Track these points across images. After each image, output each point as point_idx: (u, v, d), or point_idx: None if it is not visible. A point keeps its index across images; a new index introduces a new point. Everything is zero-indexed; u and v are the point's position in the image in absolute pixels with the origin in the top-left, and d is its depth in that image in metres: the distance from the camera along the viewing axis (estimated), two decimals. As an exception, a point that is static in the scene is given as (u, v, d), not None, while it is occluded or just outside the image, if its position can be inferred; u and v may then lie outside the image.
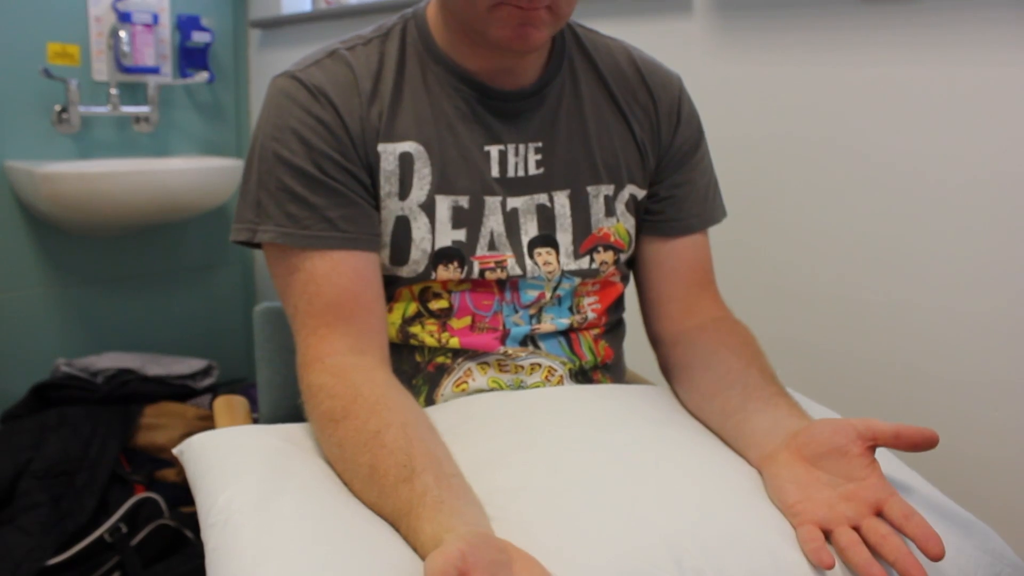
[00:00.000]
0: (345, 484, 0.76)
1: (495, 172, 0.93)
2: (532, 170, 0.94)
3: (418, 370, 0.95)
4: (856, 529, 0.69)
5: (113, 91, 2.32)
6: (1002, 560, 0.74)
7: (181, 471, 1.89)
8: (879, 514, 0.70)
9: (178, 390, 2.12)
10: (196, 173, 2.18)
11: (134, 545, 1.78)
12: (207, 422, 2.01)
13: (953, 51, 1.21)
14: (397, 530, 0.70)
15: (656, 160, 1.00)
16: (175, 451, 0.83)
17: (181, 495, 1.90)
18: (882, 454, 0.74)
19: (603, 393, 0.93)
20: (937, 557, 0.65)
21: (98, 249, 2.33)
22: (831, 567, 0.67)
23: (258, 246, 0.91)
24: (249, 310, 1.33)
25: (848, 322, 1.38)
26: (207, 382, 2.20)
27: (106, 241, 2.34)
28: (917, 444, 0.71)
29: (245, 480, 0.73)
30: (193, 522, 1.87)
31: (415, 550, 0.67)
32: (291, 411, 1.07)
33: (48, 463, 1.81)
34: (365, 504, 0.73)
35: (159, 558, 1.83)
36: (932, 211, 1.26)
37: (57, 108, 2.23)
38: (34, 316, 2.26)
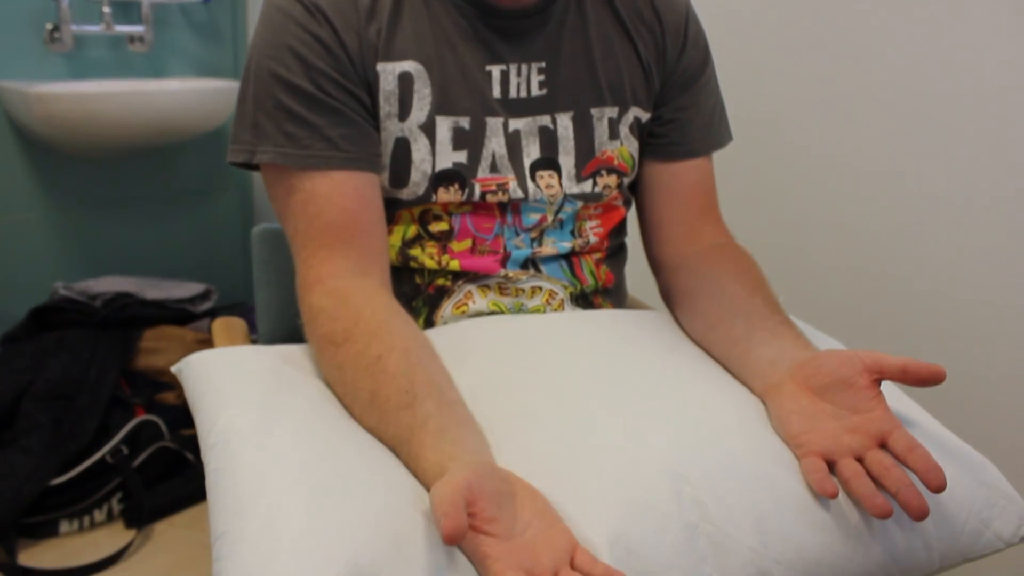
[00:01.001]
0: (345, 408, 0.76)
1: (496, 93, 0.91)
2: (535, 91, 0.93)
3: (418, 292, 0.94)
4: (859, 460, 0.69)
5: (106, 9, 2.26)
6: (998, 492, 0.75)
7: (181, 394, 1.90)
8: (883, 446, 0.70)
9: (177, 314, 2.11)
10: (192, 95, 2.15)
11: (135, 466, 1.80)
12: (206, 346, 2.01)
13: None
14: (398, 456, 0.70)
15: (661, 82, 0.98)
16: (173, 369, 0.82)
17: (181, 417, 1.92)
18: (885, 386, 0.74)
19: (605, 319, 0.92)
20: (938, 489, 0.66)
21: (95, 172, 2.31)
22: (834, 496, 0.67)
23: (256, 167, 0.89)
24: (247, 234, 1.32)
25: (853, 250, 1.37)
26: (206, 306, 2.19)
27: (103, 164, 2.32)
28: (924, 379, 0.71)
29: (245, 401, 0.73)
30: (194, 445, 1.89)
31: (416, 476, 0.67)
32: (290, 333, 1.07)
33: (48, 385, 1.82)
34: (365, 428, 0.73)
35: (160, 480, 1.85)
36: (940, 136, 1.24)
37: (49, 27, 2.18)
38: (31, 240, 2.24)
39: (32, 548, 1.70)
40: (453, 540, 0.54)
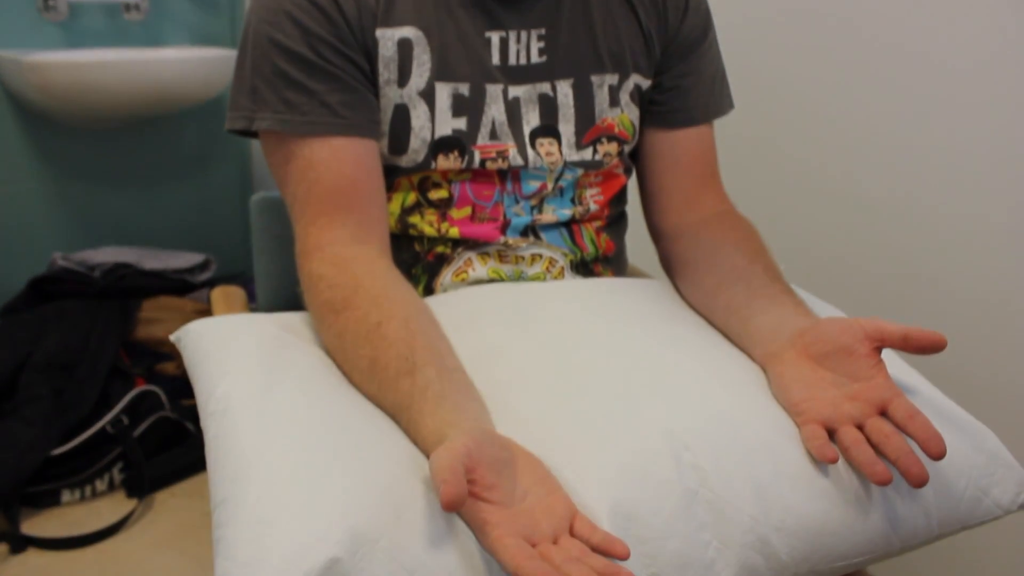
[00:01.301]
0: (344, 375, 0.76)
1: (496, 59, 0.91)
2: (535, 58, 0.92)
3: (417, 260, 0.94)
4: (860, 428, 0.69)
5: (101, -24, 2.24)
6: (998, 460, 0.75)
7: (181, 364, 1.91)
8: (883, 414, 0.70)
9: (176, 284, 2.11)
10: (189, 64, 2.13)
11: (136, 436, 1.80)
12: (205, 316, 2.00)
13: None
14: (397, 423, 0.70)
15: (662, 49, 0.97)
16: (172, 337, 0.82)
17: (181, 388, 1.92)
18: (886, 354, 0.74)
19: (605, 287, 0.92)
20: (938, 457, 0.66)
21: (92, 142, 2.30)
22: (835, 461, 0.67)
23: (254, 135, 0.89)
24: (247, 203, 1.31)
25: (855, 219, 1.36)
26: (205, 276, 2.19)
27: (100, 134, 2.30)
28: (925, 347, 0.70)
29: (244, 369, 0.73)
30: (194, 415, 1.89)
31: (416, 443, 0.67)
32: (289, 302, 1.06)
33: (48, 356, 1.82)
34: (365, 396, 0.73)
35: (161, 450, 1.85)
36: (944, 103, 1.23)
37: (43, -5, 2.17)
38: (29, 210, 2.24)
39: (35, 517, 1.71)
40: (452, 507, 0.54)
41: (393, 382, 0.70)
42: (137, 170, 2.39)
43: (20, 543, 1.62)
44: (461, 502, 0.54)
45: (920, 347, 0.71)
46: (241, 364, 0.73)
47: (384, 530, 0.58)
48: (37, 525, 1.68)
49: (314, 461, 0.63)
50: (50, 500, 1.74)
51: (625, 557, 0.58)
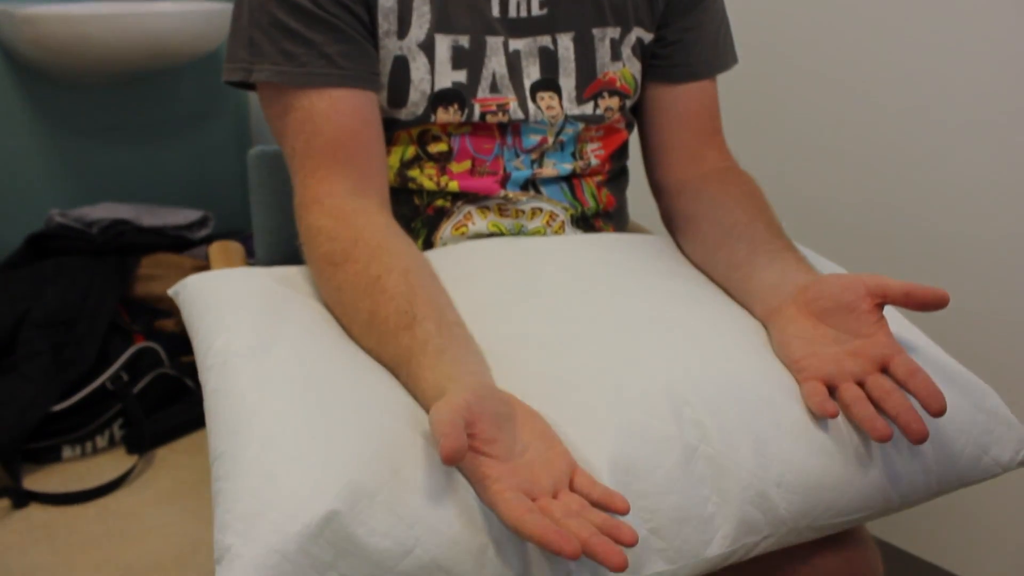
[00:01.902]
0: (344, 328, 0.75)
1: (496, 11, 0.89)
2: (535, 10, 0.90)
3: (417, 213, 0.93)
4: (861, 385, 0.69)
5: (95, -71, 2.21)
6: (998, 418, 0.75)
7: (180, 321, 1.91)
8: (884, 371, 0.69)
9: (174, 241, 2.10)
10: (186, 17, 2.10)
11: (135, 393, 1.81)
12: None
13: None
14: (396, 377, 0.70)
15: (665, 2, 0.95)
16: (170, 292, 0.82)
17: (180, 345, 1.92)
18: (888, 311, 0.74)
19: (606, 242, 0.91)
20: (938, 413, 0.66)
21: (88, 98, 2.27)
22: (835, 416, 0.67)
23: (252, 87, 0.88)
24: (244, 159, 1.30)
25: (858, 177, 1.36)
26: (203, 233, 2.18)
27: (96, 90, 2.28)
28: (927, 304, 0.70)
29: (243, 322, 0.72)
30: (193, 372, 1.90)
31: (415, 397, 0.67)
32: (287, 256, 1.06)
33: (47, 312, 1.82)
34: (364, 349, 0.73)
35: (160, 406, 1.86)
36: (950, 61, 1.22)
37: (36, -53, 2.13)
38: (26, 167, 2.22)
39: (36, 473, 1.72)
40: (452, 461, 0.54)
41: (392, 336, 0.69)
42: (134, 126, 2.37)
43: (22, 498, 1.63)
44: (461, 456, 0.54)
45: (922, 304, 0.70)
46: (240, 318, 0.73)
47: (383, 484, 0.58)
48: (39, 480, 1.69)
49: (313, 415, 0.62)
50: (51, 456, 1.75)
51: (625, 512, 0.58)
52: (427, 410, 0.65)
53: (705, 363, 0.71)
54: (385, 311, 0.71)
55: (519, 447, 0.61)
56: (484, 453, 0.58)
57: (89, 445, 1.78)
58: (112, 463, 1.76)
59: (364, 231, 0.77)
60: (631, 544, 0.56)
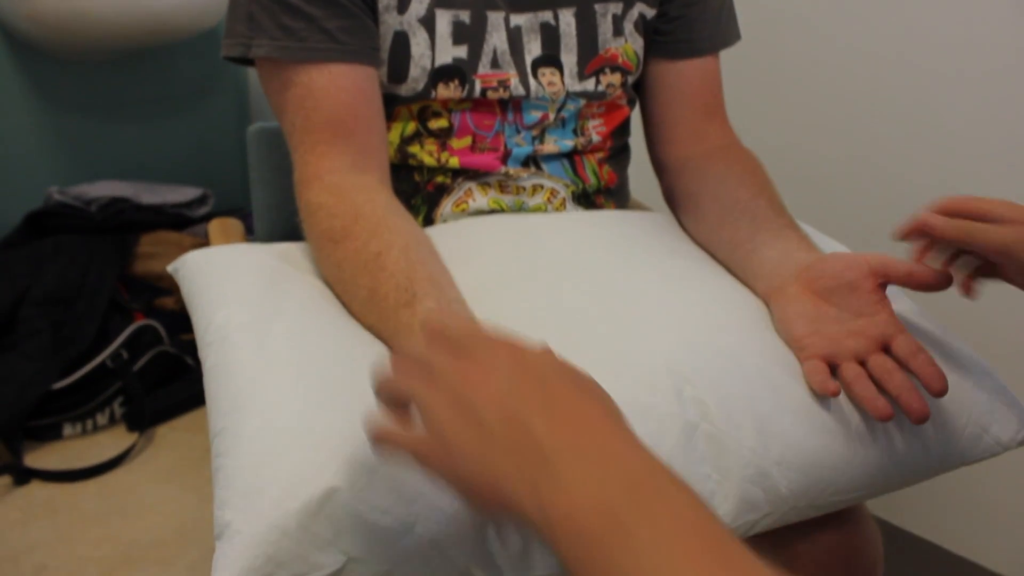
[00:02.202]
0: (344, 305, 0.75)
1: None
2: None
3: (417, 190, 0.93)
4: (862, 364, 0.69)
5: (93, -97, 2.18)
6: (999, 398, 0.75)
7: (179, 299, 1.90)
8: (886, 350, 0.69)
9: (174, 219, 2.10)
10: (185, -7, 2.09)
11: (136, 371, 1.81)
12: (204, 251, 2.00)
13: None
14: None
15: (668, -23, 0.94)
16: (170, 268, 0.81)
17: (180, 323, 1.92)
18: (890, 291, 0.74)
19: (607, 220, 0.91)
20: (940, 394, 0.66)
21: (87, 75, 2.26)
22: (836, 394, 0.67)
23: (251, 62, 0.87)
24: (244, 137, 1.29)
25: (861, 155, 1.35)
26: (203, 210, 2.17)
27: (95, 67, 2.27)
28: (930, 285, 0.70)
29: (242, 298, 0.72)
30: (193, 350, 1.89)
31: None
32: (287, 233, 1.05)
33: (47, 290, 1.81)
34: (364, 326, 0.73)
35: (161, 384, 1.86)
36: (956, 33, 1.21)
37: (34, -79, 2.11)
38: (24, 144, 2.21)
39: (37, 450, 1.72)
40: None
41: (392, 313, 0.69)
42: (133, 102, 2.35)
43: (23, 475, 1.63)
44: None
45: (925, 284, 0.70)
46: (239, 294, 0.73)
47: (382, 461, 0.58)
48: (40, 458, 1.70)
49: (312, 391, 0.62)
50: (52, 433, 1.75)
51: None
52: None
53: (706, 340, 0.71)
54: (385, 288, 0.70)
55: None
56: None
57: (90, 423, 1.78)
58: (113, 441, 1.76)
59: (364, 208, 0.77)
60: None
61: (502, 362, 0.49)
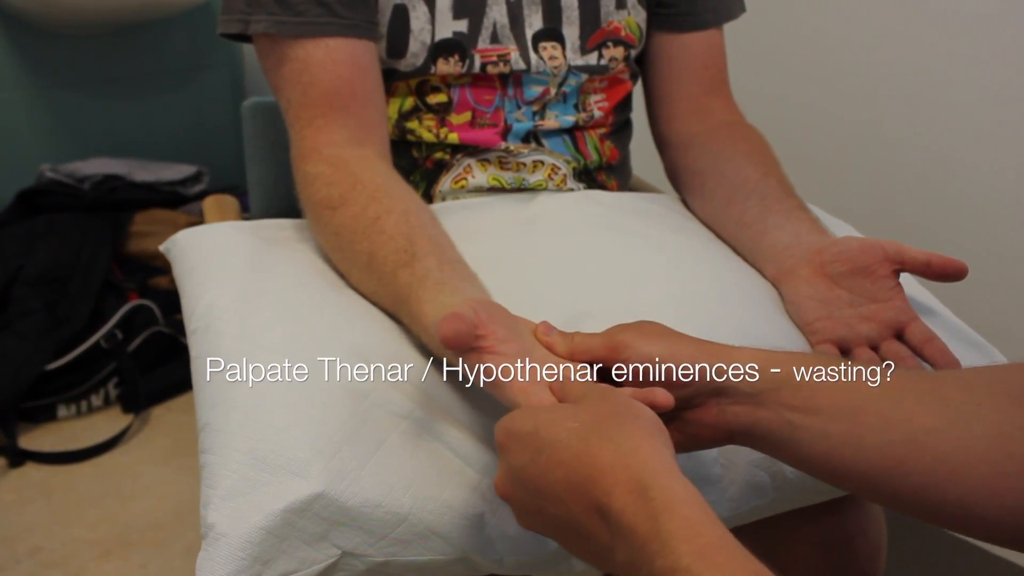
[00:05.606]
0: (343, 274, 0.73)
1: None
2: None
3: (415, 166, 0.91)
4: (875, 350, 0.68)
5: None
6: None
7: (174, 278, 1.89)
8: (899, 337, 0.69)
9: (168, 197, 2.07)
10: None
11: (130, 351, 1.79)
12: (199, 230, 1.98)
13: None
14: (399, 319, 0.68)
15: (671, -52, 0.92)
16: (162, 248, 0.80)
17: (175, 302, 1.88)
18: (903, 277, 0.73)
19: (611, 199, 0.90)
20: None
21: (78, 49, 2.23)
22: None
23: (248, 39, 0.85)
24: (239, 113, 1.26)
25: (869, 135, 1.33)
26: (197, 188, 2.15)
27: (86, 41, 2.24)
28: (947, 274, 0.69)
29: (228, 281, 0.71)
30: (188, 329, 1.88)
31: (419, 337, 0.65)
32: (283, 210, 1.04)
33: (40, 270, 1.79)
34: (363, 294, 0.71)
35: (155, 365, 1.85)
36: (963, 18, 1.19)
37: None
38: (14, 120, 2.18)
39: (32, 432, 1.71)
40: (453, 343, 0.53)
41: (392, 275, 0.67)
42: (126, 78, 2.33)
43: (18, 457, 1.62)
44: (462, 340, 0.53)
45: (942, 274, 0.69)
46: (225, 276, 0.71)
47: (371, 453, 0.57)
48: (34, 439, 1.68)
49: (297, 381, 0.61)
50: (46, 415, 1.74)
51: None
52: (432, 349, 0.63)
53: (715, 324, 0.69)
54: (384, 251, 0.68)
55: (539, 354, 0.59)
56: (498, 352, 0.56)
57: (84, 404, 1.77)
58: (107, 422, 1.75)
59: (362, 175, 0.75)
60: None
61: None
